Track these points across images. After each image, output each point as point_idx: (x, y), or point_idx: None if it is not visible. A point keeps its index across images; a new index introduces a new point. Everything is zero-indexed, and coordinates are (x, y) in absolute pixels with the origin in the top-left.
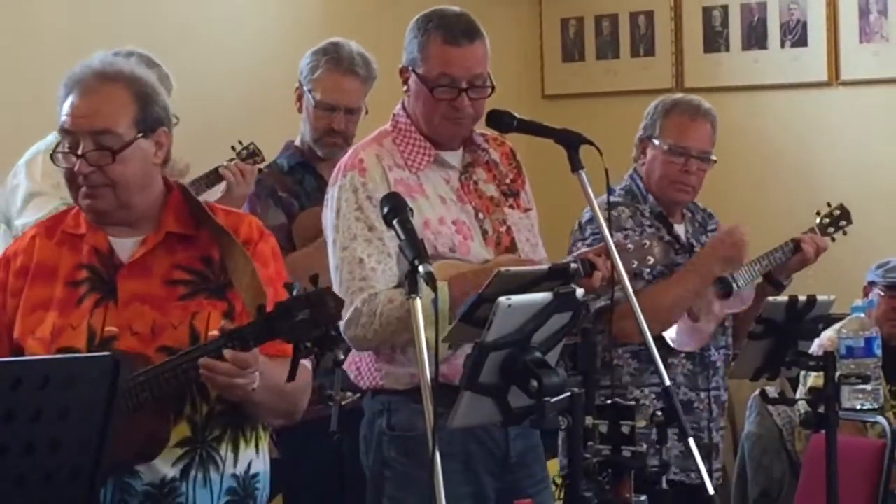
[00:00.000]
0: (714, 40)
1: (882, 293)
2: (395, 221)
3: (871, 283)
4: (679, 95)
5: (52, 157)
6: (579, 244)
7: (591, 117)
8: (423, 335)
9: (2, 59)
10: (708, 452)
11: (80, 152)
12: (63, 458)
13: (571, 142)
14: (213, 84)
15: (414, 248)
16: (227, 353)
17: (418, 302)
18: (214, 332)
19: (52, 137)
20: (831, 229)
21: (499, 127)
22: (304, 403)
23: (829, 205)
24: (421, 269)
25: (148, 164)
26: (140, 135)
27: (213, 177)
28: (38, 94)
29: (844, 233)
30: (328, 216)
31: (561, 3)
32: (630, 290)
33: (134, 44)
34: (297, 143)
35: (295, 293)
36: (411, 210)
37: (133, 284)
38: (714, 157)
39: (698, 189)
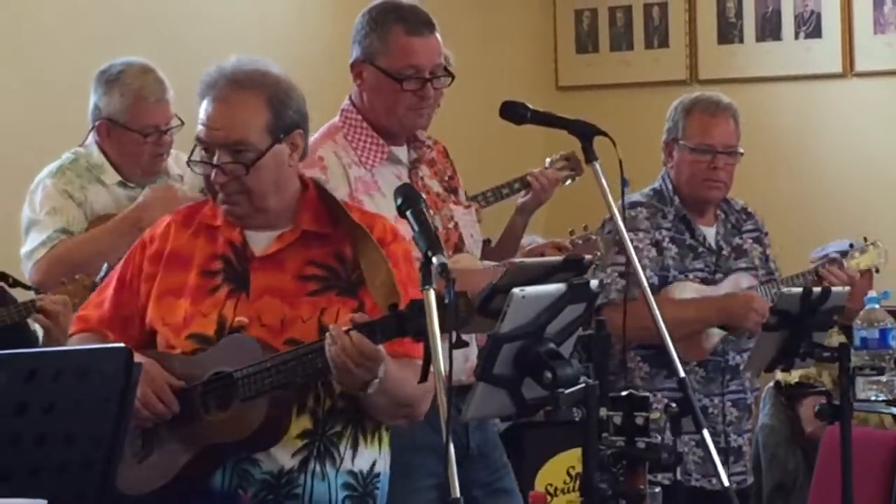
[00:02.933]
0: (728, 32)
1: None
2: (408, 212)
3: None
4: (697, 94)
5: (188, 163)
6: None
7: (605, 109)
8: (437, 328)
9: (9, 58)
10: (726, 456)
11: (215, 162)
12: (76, 450)
13: (585, 133)
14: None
15: (427, 240)
16: (353, 334)
17: (432, 293)
18: (345, 322)
19: (55, 165)
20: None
21: (513, 118)
22: (426, 406)
23: (865, 239)
24: (435, 260)
25: (283, 168)
26: (274, 141)
27: None
28: (47, 94)
29: (877, 270)
30: None
31: None
32: (647, 288)
33: (141, 40)
34: None
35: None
36: (424, 201)
37: (265, 277)
38: (741, 150)
39: (729, 184)
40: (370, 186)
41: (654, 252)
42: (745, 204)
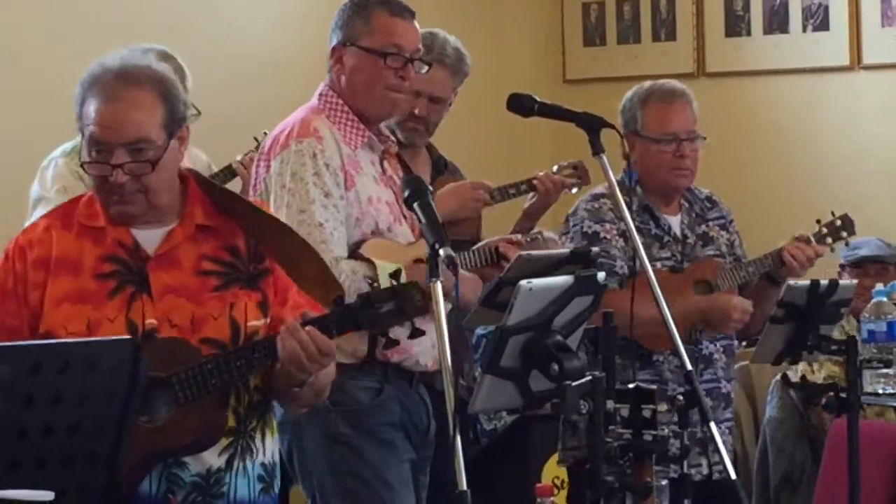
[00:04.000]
0: (736, 24)
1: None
2: (416, 204)
3: (842, 266)
4: (649, 83)
5: (82, 166)
6: (563, 237)
7: (613, 101)
8: (444, 319)
9: (22, 55)
10: (703, 447)
11: (114, 162)
12: (82, 443)
13: (593, 125)
14: (230, 73)
15: (435, 232)
16: (310, 329)
17: (439, 286)
18: (257, 323)
19: (70, 145)
20: (829, 239)
21: (520, 111)
22: (328, 393)
23: (832, 213)
24: (442, 252)
25: (177, 164)
26: (170, 137)
27: (227, 173)
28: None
29: (847, 244)
30: (273, 181)
31: None
32: (653, 279)
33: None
34: None
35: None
36: (431, 193)
37: (165, 277)
38: (703, 135)
39: (695, 170)
40: (356, 165)
41: (621, 242)
42: (711, 192)
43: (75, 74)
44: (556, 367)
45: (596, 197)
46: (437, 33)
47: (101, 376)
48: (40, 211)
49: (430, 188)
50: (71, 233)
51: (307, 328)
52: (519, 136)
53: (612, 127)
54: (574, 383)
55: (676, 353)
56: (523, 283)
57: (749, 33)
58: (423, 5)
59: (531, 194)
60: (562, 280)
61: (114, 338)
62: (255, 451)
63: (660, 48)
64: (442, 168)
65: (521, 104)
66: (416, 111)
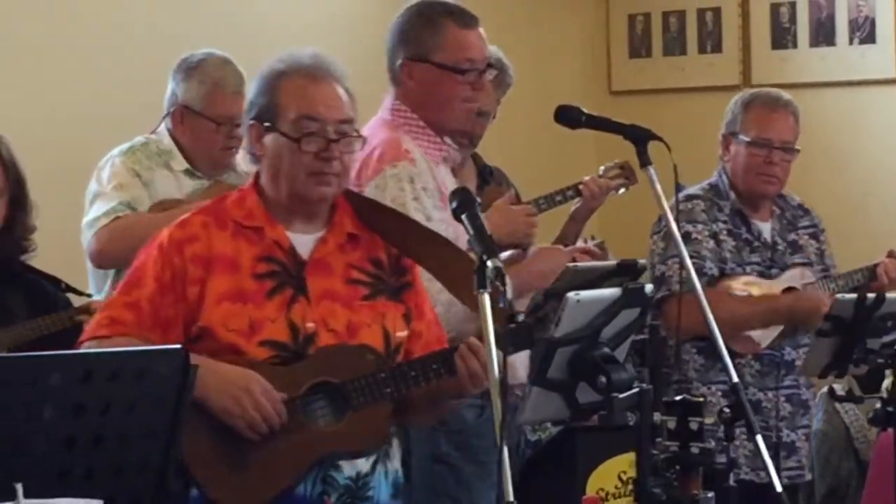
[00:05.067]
0: (782, 37)
1: None
2: (464, 216)
3: None
4: (758, 89)
5: (297, 139)
6: (654, 236)
7: (659, 113)
8: (491, 330)
9: (89, 57)
10: (776, 451)
11: (331, 137)
12: (132, 451)
13: (640, 138)
14: None
15: (483, 243)
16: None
17: (486, 297)
18: (402, 334)
19: (126, 145)
20: None
21: (568, 123)
22: None
23: None
24: (489, 263)
25: None
26: None
27: None
28: (115, 94)
29: None
30: None
31: (628, 0)
32: (699, 285)
33: (206, 39)
34: None
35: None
36: (479, 204)
37: (320, 281)
38: (798, 148)
39: (784, 180)
40: (443, 182)
41: (712, 243)
42: (802, 201)
43: (131, 80)
44: (603, 379)
45: (689, 198)
46: None
47: (151, 385)
48: (98, 205)
49: (478, 200)
50: (226, 231)
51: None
52: (564, 148)
53: (660, 139)
54: (621, 395)
55: (757, 359)
56: (571, 294)
57: (795, 45)
58: None
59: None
60: (609, 292)
61: (164, 347)
62: (391, 456)
63: (706, 60)
64: (488, 177)
65: (568, 116)
66: None
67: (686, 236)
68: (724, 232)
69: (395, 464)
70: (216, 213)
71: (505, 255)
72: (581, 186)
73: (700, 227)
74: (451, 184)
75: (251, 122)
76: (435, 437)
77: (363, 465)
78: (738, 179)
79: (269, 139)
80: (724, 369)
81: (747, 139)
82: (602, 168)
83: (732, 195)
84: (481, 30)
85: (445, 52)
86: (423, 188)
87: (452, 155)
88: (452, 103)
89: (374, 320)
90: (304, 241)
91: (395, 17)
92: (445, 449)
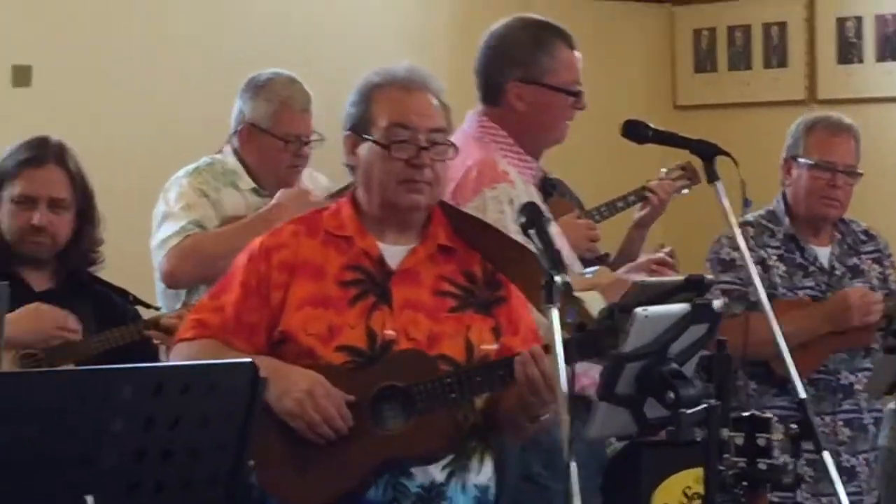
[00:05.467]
0: (848, 51)
1: None
2: (532, 231)
3: None
4: (819, 113)
5: (386, 146)
6: (707, 263)
7: (724, 128)
8: (560, 345)
9: (157, 74)
10: (850, 475)
11: (421, 144)
12: (202, 465)
13: (707, 153)
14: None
15: (551, 259)
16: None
17: (555, 312)
18: (490, 347)
19: (192, 166)
20: None
21: (635, 137)
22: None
23: None
24: (558, 279)
25: None
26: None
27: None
28: (184, 116)
29: None
30: None
31: (694, 14)
32: (767, 305)
33: (277, 59)
34: None
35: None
36: (548, 220)
37: (405, 291)
38: (860, 171)
39: (846, 204)
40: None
41: (759, 270)
42: (869, 227)
43: (196, 98)
44: (671, 394)
45: (742, 224)
46: None
47: (221, 399)
48: (167, 226)
49: (547, 216)
50: (316, 240)
51: (549, 357)
52: (628, 162)
53: (728, 154)
54: (689, 411)
55: (813, 383)
56: (639, 310)
57: (861, 60)
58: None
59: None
60: (678, 308)
61: (234, 360)
62: (471, 470)
63: (771, 75)
64: (550, 189)
65: (636, 131)
66: None
67: (731, 263)
68: (774, 257)
69: (480, 479)
70: (309, 223)
71: (590, 270)
72: (647, 193)
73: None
74: (538, 198)
75: (346, 132)
76: (525, 455)
77: (437, 474)
78: (799, 203)
79: (362, 149)
80: (780, 384)
81: (810, 162)
82: (664, 170)
83: (787, 221)
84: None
85: (558, 74)
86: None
87: (537, 173)
88: (559, 123)
89: (457, 332)
90: (394, 252)
91: (462, 33)
92: (536, 468)
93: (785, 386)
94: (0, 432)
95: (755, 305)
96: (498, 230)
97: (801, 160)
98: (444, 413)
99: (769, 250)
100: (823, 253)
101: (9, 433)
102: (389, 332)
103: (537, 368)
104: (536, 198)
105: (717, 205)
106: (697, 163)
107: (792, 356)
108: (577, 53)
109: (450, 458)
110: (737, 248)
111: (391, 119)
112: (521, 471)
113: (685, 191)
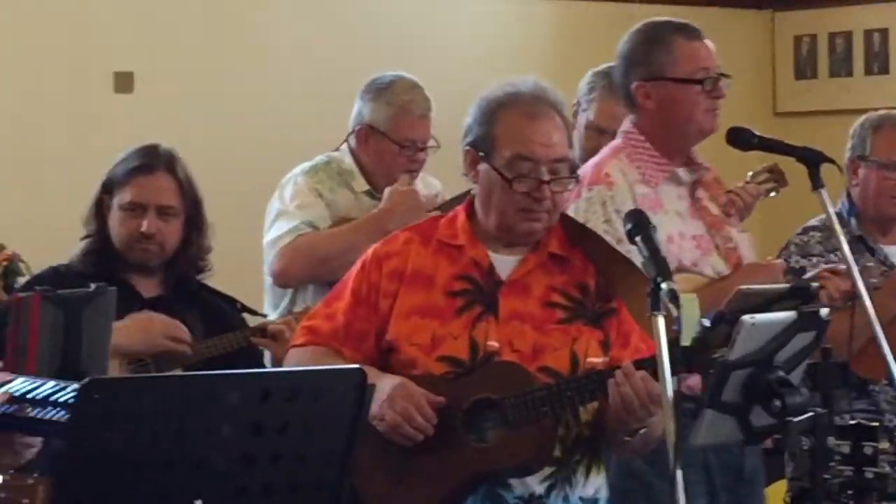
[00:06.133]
0: None
1: None
2: (638, 238)
3: None
4: (883, 112)
5: (511, 181)
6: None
7: (824, 135)
8: (665, 351)
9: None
10: None
11: (543, 178)
12: (309, 471)
13: (813, 160)
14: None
15: (657, 266)
16: (643, 375)
17: (661, 319)
18: (596, 360)
19: (309, 164)
20: None
21: (740, 144)
22: (654, 445)
23: None
24: (664, 286)
25: None
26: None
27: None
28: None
29: None
30: None
31: (794, 21)
32: (875, 319)
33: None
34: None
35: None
36: (654, 227)
37: (513, 302)
38: None
39: None
40: (654, 204)
41: None
42: None
43: (310, 101)
44: (777, 403)
45: (806, 230)
46: None
47: (329, 405)
48: (280, 224)
49: (653, 223)
50: (428, 249)
51: (640, 373)
52: (729, 168)
53: (833, 161)
54: (796, 419)
55: (892, 383)
56: (746, 318)
57: None
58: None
59: None
60: (784, 316)
61: (342, 367)
62: (575, 483)
63: (872, 81)
64: None
65: (740, 138)
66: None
67: (801, 271)
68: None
69: (587, 492)
70: (423, 231)
71: None
72: (732, 196)
73: (815, 259)
74: (677, 205)
75: (467, 147)
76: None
77: (536, 486)
78: (868, 204)
79: (482, 168)
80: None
81: (880, 161)
82: (750, 174)
83: (853, 222)
84: (708, 41)
85: (679, 65)
86: (615, 210)
87: (679, 175)
88: (694, 115)
89: (563, 344)
90: (505, 262)
91: (562, 44)
92: (639, 464)
93: (865, 388)
94: (114, 434)
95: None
96: (601, 238)
97: (869, 159)
98: (537, 426)
99: (838, 254)
100: (893, 252)
101: (123, 435)
102: (492, 343)
103: (630, 387)
104: (671, 197)
105: (825, 213)
106: (787, 166)
107: (868, 359)
108: (702, 43)
109: (550, 470)
110: (805, 255)
111: (514, 150)
112: (625, 467)
113: (773, 193)
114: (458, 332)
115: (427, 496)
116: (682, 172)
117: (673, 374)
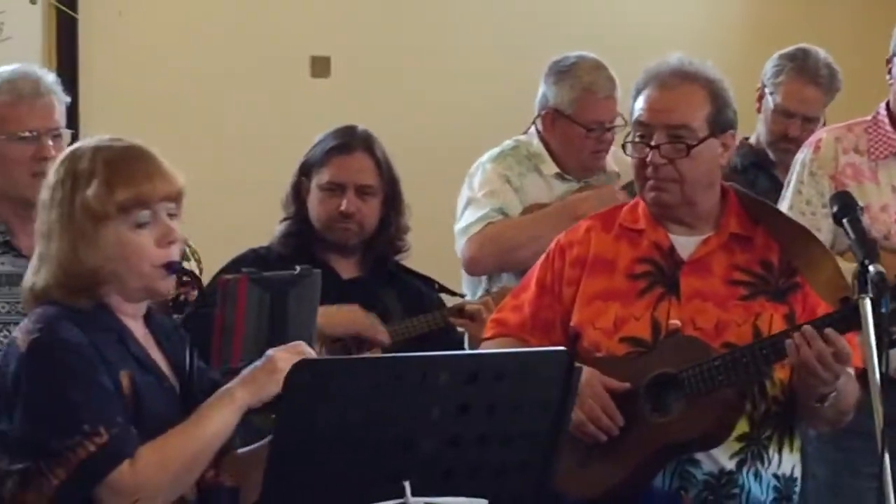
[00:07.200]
0: None
1: None
2: (845, 220)
3: None
4: None
5: (623, 146)
6: None
7: None
8: (872, 335)
9: (459, 59)
10: None
11: (653, 143)
12: (514, 451)
13: None
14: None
15: (864, 248)
16: (828, 332)
17: (868, 302)
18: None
19: (497, 150)
20: None
21: None
22: (851, 415)
23: None
24: (871, 269)
25: (715, 163)
26: (711, 133)
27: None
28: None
29: None
30: None
31: None
32: None
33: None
34: (753, 142)
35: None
36: (861, 208)
37: (695, 282)
38: None
39: None
40: (862, 174)
41: None
42: None
43: (501, 82)
44: None
45: None
46: (809, 51)
47: (536, 386)
48: (470, 212)
49: (860, 205)
50: (610, 234)
51: (827, 330)
52: None
53: None
54: None
55: None
56: None
57: None
58: (827, 24)
59: None
60: None
61: (549, 348)
62: (767, 460)
63: None
64: None
65: None
66: (790, 132)
67: None
68: None
69: (782, 469)
70: (605, 218)
71: None
72: None
73: None
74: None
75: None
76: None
77: (726, 462)
78: None
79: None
80: None
81: None
82: None
83: None
84: None
85: None
86: (811, 173)
87: None
88: None
89: (745, 320)
90: (686, 243)
91: (752, 31)
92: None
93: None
94: (328, 415)
95: None
96: (780, 212)
97: None
98: (719, 397)
99: None
100: None
101: (336, 416)
102: (674, 322)
103: (810, 349)
104: (886, 173)
105: None
106: None
107: None
108: None
109: (739, 445)
110: None
111: (636, 120)
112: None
113: None
114: (639, 313)
115: (613, 474)
116: None
117: (844, 332)
